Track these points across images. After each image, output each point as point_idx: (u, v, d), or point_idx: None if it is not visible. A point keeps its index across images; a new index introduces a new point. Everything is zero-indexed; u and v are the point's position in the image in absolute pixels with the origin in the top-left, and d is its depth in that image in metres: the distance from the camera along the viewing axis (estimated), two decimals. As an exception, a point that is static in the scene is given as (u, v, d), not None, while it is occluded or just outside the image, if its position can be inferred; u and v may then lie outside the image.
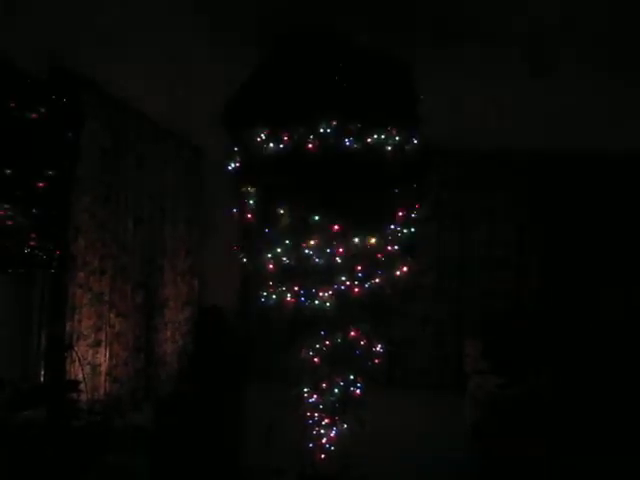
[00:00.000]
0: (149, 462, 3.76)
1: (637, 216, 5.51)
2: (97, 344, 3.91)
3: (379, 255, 4.10)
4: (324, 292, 4.13)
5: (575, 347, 5.12)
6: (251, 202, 4.22)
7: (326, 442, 4.56)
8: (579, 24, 4.49)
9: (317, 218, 3.88)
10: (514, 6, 4.36)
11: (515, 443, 4.63)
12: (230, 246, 4.78)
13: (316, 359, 4.31)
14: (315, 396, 4.43)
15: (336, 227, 3.88)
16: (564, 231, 5.58)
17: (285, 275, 4.16)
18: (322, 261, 3.94)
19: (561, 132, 5.44)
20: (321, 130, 3.82)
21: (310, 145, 3.81)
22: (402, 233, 4.14)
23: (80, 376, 3.65)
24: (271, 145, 3.92)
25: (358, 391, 4.52)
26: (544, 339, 5.14)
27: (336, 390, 4.41)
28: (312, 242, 3.92)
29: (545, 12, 4.44)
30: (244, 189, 4.27)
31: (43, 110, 3.21)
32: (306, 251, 3.96)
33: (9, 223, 3.08)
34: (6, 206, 3.05)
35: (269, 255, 4.11)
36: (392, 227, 4.10)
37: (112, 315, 4.07)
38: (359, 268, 4.04)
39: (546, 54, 4.95)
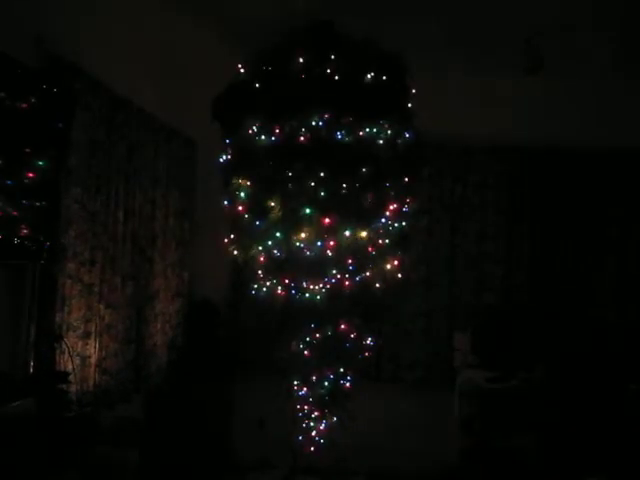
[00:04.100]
0: (139, 454, 3.76)
1: (627, 211, 5.53)
2: (87, 335, 3.90)
3: (370, 249, 4.11)
4: (315, 285, 4.13)
5: (565, 341, 5.15)
6: (242, 194, 4.22)
7: (317, 435, 4.58)
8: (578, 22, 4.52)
9: (308, 211, 3.88)
10: (512, 4, 4.38)
11: (505, 437, 4.65)
12: (222, 239, 4.79)
13: (306, 352, 4.32)
14: (305, 389, 4.43)
15: (327, 220, 3.89)
16: (555, 226, 5.60)
17: (276, 268, 4.17)
18: (313, 254, 3.95)
19: (556, 128, 5.47)
20: (313, 123, 3.82)
21: (302, 138, 3.81)
22: (393, 227, 4.15)
23: (70, 367, 3.64)
24: (263, 138, 3.92)
25: (348, 385, 4.54)
26: (534, 333, 5.16)
27: (326, 383, 4.42)
28: (303, 235, 3.93)
29: (544, 11, 4.46)
30: (236, 181, 4.27)
31: (34, 99, 3.18)
32: (297, 244, 3.96)
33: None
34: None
35: (260, 248, 4.12)
36: (383, 221, 4.11)
37: (102, 306, 4.06)
38: (350, 261, 4.05)
39: (541, 52, 4.97)
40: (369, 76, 3.93)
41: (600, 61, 5.12)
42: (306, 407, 4.50)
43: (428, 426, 5.26)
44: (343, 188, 3.84)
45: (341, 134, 3.83)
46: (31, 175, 3.25)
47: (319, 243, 3.93)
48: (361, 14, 4.27)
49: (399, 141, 4.00)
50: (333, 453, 4.91)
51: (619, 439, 4.56)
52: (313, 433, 4.56)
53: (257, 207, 4.06)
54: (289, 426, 4.59)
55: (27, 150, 3.22)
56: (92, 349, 3.95)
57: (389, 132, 3.96)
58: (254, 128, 3.93)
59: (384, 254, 4.22)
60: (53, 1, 3.54)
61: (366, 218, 3.99)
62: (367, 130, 3.86)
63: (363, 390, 4.76)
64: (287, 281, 4.20)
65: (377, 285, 4.27)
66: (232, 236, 4.52)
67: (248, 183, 4.15)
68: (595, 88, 5.39)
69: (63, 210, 3.65)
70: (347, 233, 3.94)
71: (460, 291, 5.64)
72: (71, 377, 3.58)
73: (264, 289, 4.34)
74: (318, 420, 4.55)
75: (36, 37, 3.40)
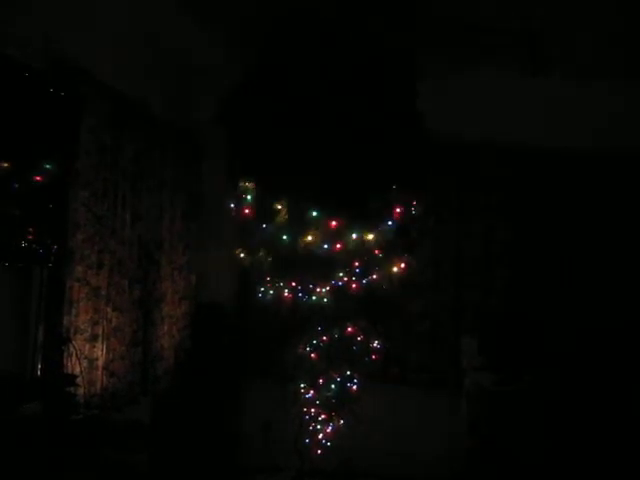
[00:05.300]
0: (147, 457, 3.76)
1: (630, 215, 5.51)
2: (94, 338, 3.91)
3: (377, 251, 4.11)
4: (322, 288, 4.14)
5: (572, 344, 5.14)
6: (249, 197, 4.23)
7: (323, 438, 4.57)
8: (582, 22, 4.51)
9: (315, 214, 3.89)
10: (516, 4, 4.37)
11: (512, 440, 4.64)
12: (229, 241, 4.80)
13: (313, 355, 4.32)
14: (312, 392, 4.43)
15: (334, 223, 3.89)
16: (561, 227, 5.58)
17: (283, 271, 4.17)
18: (320, 257, 3.95)
19: (561, 130, 5.45)
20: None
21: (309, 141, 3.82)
22: (399, 229, 4.14)
23: (77, 370, 3.65)
24: (269, 140, 3.92)
25: (354, 387, 4.53)
26: (541, 335, 5.15)
27: (333, 386, 4.42)
28: (310, 238, 3.93)
29: (546, 10, 4.46)
30: (242, 184, 4.28)
31: (41, 102, 3.20)
32: (304, 247, 3.96)
33: (6, 217, 3.07)
34: (3, 199, 3.04)
35: (267, 251, 4.12)
36: (390, 223, 4.11)
37: (109, 309, 4.07)
38: (356, 264, 4.05)
39: (546, 52, 4.96)
40: (374, 77, 3.93)
41: (609, 60, 5.10)
42: (313, 410, 4.50)
43: (435, 428, 5.25)
44: (350, 191, 3.84)
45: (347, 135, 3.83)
46: (39, 179, 3.26)
47: (326, 246, 3.94)
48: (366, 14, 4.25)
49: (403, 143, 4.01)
50: (340, 456, 4.91)
51: (625, 440, 4.55)
52: (320, 436, 4.56)
53: (264, 210, 4.07)
54: (296, 429, 4.59)
55: (35, 153, 3.23)
56: (99, 352, 3.96)
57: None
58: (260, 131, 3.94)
59: (390, 256, 4.23)
60: (60, 4, 3.55)
61: (373, 221, 3.99)
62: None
63: (370, 392, 4.76)
64: (294, 284, 4.21)
65: (384, 287, 4.27)
66: (239, 239, 4.54)
67: (254, 186, 4.16)
68: (602, 89, 5.37)
69: (70, 214, 3.66)
70: (354, 236, 3.94)
71: (467, 293, 5.62)
72: (79, 380, 3.59)
73: (271, 292, 4.36)
74: (325, 423, 4.55)
75: (43, 40, 3.41)
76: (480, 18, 4.55)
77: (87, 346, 3.85)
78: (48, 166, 3.31)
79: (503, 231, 5.66)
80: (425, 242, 5.64)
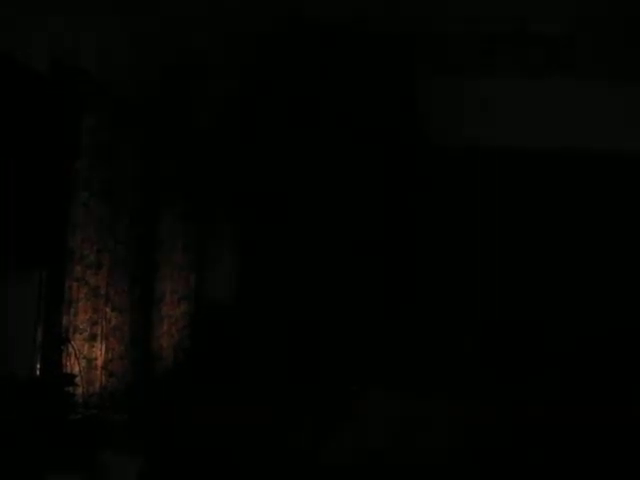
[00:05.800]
0: (144, 458, 3.75)
1: (631, 215, 5.50)
2: (93, 338, 3.91)
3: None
4: (321, 288, 4.14)
5: (571, 343, 5.15)
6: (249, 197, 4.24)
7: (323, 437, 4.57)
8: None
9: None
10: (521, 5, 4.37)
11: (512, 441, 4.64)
12: (228, 241, 4.80)
13: (314, 355, 4.33)
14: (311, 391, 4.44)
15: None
16: (561, 229, 5.58)
17: (282, 271, 4.17)
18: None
19: (561, 130, 5.45)
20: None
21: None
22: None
23: (76, 370, 3.65)
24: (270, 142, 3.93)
25: (354, 387, 4.53)
26: (541, 340, 5.15)
27: (332, 386, 4.42)
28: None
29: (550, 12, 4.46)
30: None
31: (41, 103, 3.19)
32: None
33: (6, 216, 3.07)
34: (2, 199, 3.04)
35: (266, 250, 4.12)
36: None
37: (108, 309, 4.07)
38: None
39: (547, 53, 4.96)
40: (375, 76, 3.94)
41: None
42: (311, 410, 4.50)
43: (435, 429, 5.24)
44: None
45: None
46: (39, 179, 3.26)
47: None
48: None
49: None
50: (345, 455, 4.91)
51: (624, 440, 4.55)
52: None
53: (264, 210, 4.07)
54: (293, 428, 4.59)
55: (34, 153, 3.23)
56: (98, 352, 3.96)
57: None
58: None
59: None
60: (60, 4, 3.55)
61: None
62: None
63: (372, 393, 4.76)
64: (293, 284, 4.21)
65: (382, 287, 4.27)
66: (238, 238, 4.54)
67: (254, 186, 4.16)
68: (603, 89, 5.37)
69: (70, 213, 3.65)
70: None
71: (468, 294, 5.63)
72: (77, 379, 3.58)
73: (271, 292, 4.36)
74: (324, 423, 4.55)
75: (42, 40, 3.41)
76: (481, 19, 4.55)
77: (86, 346, 3.85)
78: (48, 166, 3.30)
79: (504, 232, 5.66)
80: (425, 243, 5.63)
